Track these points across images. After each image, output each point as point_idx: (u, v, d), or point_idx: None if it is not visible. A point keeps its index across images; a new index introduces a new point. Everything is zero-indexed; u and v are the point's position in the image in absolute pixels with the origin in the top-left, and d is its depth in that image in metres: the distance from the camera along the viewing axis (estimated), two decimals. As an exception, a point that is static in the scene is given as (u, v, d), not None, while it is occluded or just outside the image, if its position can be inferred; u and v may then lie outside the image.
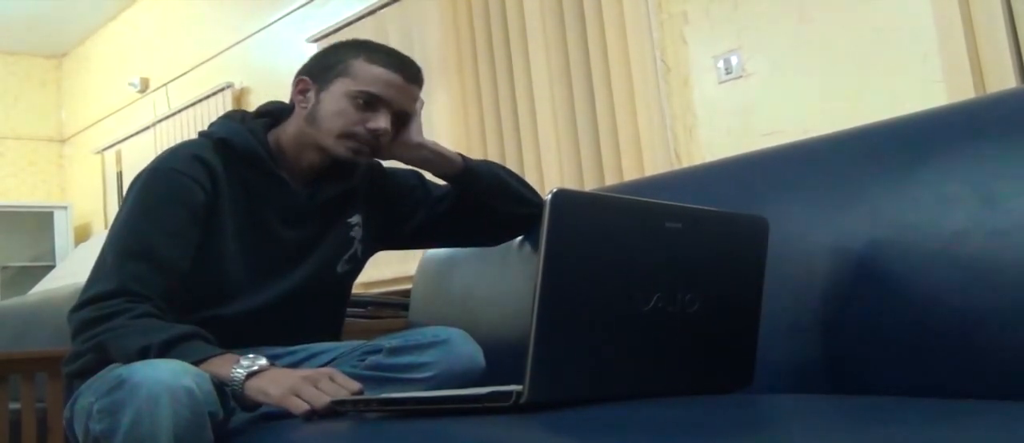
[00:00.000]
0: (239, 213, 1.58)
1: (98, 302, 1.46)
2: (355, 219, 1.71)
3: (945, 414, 0.98)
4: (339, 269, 1.69)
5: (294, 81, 1.64)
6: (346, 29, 4.60)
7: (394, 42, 4.34)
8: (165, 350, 1.36)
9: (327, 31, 4.69)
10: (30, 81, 7.33)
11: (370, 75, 1.58)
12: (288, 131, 1.64)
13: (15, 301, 3.56)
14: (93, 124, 6.88)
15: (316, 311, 1.69)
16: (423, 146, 1.67)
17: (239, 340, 1.55)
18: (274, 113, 1.68)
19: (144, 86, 6.31)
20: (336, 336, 1.75)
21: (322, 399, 1.31)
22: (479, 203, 1.73)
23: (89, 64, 7.10)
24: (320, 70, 1.62)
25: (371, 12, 4.46)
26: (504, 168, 1.79)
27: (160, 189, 1.54)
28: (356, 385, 1.37)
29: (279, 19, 5.00)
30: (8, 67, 7.21)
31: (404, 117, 1.64)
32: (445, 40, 4.08)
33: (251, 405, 1.37)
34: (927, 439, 0.85)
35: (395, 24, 4.35)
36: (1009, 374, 1.13)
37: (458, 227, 1.78)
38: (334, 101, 1.58)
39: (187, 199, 1.53)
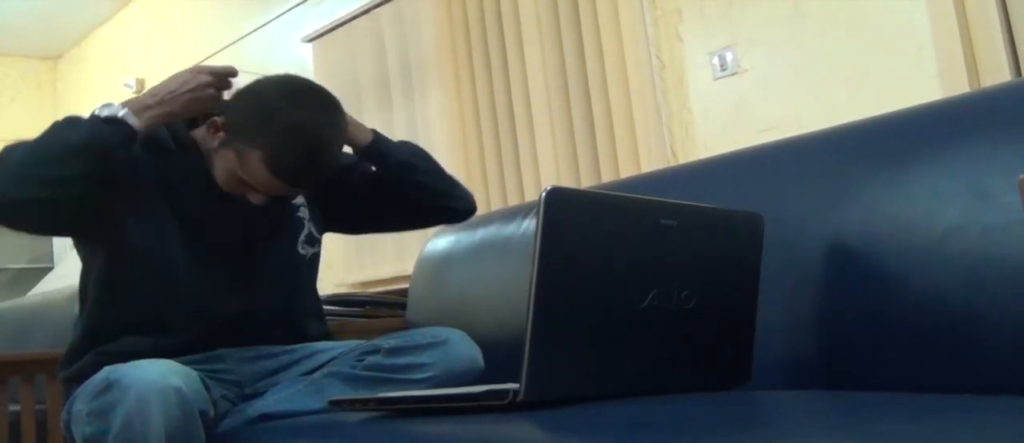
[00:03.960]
0: (171, 200, 1.56)
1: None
2: (300, 200, 1.71)
3: (940, 409, 0.98)
4: (301, 251, 1.69)
5: (213, 119, 1.57)
6: (341, 28, 4.60)
7: (389, 41, 4.34)
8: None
9: (322, 30, 4.69)
10: (25, 83, 7.31)
11: (259, 175, 1.50)
12: (201, 134, 1.62)
13: (13, 303, 3.55)
14: (89, 125, 6.87)
15: (294, 297, 1.69)
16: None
17: (232, 340, 1.56)
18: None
19: (140, 87, 6.29)
20: (322, 320, 1.77)
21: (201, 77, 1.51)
22: (391, 185, 1.72)
23: (84, 66, 7.09)
24: (232, 125, 1.54)
25: (366, 11, 4.46)
26: (424, 157, 1.77)
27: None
28: (227, 67, 1.55)
29: (274, 19, 4.99)
30: (3, 69, 7.19)
31: None
32: (440, 38, 4.08)
33: (144, 124, 1.48)
34: (923, 434, 0.85)
35: (390, 23, 4.35)
36: (1004, 369, 1.13)
37: (377, 210, 1.78)
38: (222, 165, 1.55)
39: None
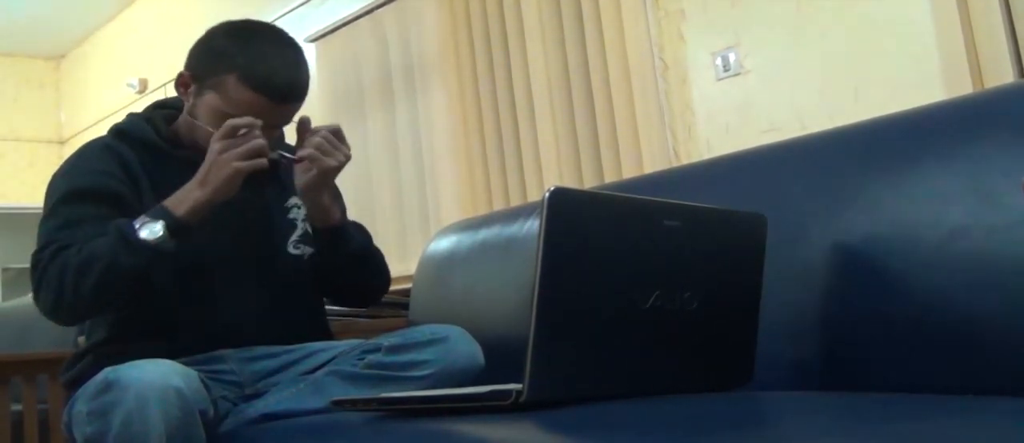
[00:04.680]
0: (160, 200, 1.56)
1: (47, 248, 1.51)
2: (293, 201, 1.71)
3: (944, 410, 0.98)
4: (292, 250, 1.69)
5: (178, 75, 1.60)
6: (344, 28, 4.60)
7: (392, 41, 4.34)
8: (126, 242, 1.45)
9: (325, 30, 4.70)
10: (29, 83, 7.33)
11: (240, 99, 1.51)
12: (182, 120, 1.64)
13: (16, 303, 3.56)
14: (93, 125, 6.88)
15: (287, 298, 1.68)
16: (331, 206, 1.64)
17: (230, 340, 1.57)
18: (175, 104, 1.68)
19: (143, 87, 6.30)
20: (322, 319, 1.77)
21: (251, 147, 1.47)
22: (332, 265, 1.70)
23: (88, 65, 7.10)
24: (198, 71, 1.57)
25: (369, 11, 4.47)
26: (375, 253, 1.77)
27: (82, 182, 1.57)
28: (247, 119, 1.48)
29: (277, 19, 5.00)
30: (7, 69, 7.20)
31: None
32: (443, 38, 4.08)
33: (189, 219, 1.47)
34: (927, 435, 0.85)
35: (393, 23, 4.35)
36: (1007, 370, 1.13)
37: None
38: (206, 112, 1.55)
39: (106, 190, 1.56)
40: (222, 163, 1.48)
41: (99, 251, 1.46)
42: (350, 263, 1.70)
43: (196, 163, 1.54)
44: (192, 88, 1.58)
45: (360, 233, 1.75)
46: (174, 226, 1.47)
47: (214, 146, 1.49)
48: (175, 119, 1.66)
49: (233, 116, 1.51)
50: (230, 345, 1.58)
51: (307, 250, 1.70)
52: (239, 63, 1.52)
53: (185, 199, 1.49)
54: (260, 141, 1.49)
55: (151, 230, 1.46)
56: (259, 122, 1.50)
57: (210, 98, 1.55)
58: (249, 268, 1.63)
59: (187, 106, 1.60)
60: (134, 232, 1.45)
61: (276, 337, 1.63)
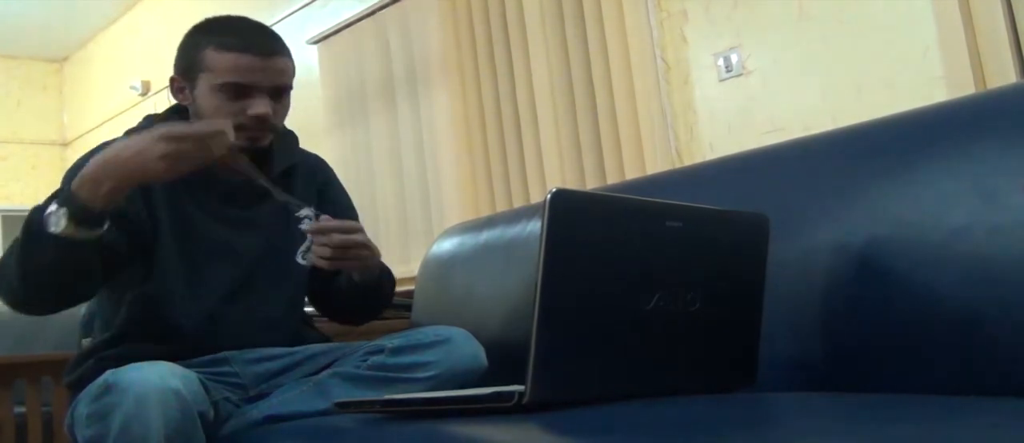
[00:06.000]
0: (172, 204, 1.58)
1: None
2: (307, 212, 1.71)
3: (946, 412, 0.98)
4: (300, 260, 1.70)
5: (169, 80, 1.63)
6: (346, 30, 4.61)
7: (394, 42, 4.34)
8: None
9: (327, 32, 4.70)
10: (32, 85, 7.34)
11: (225, 64, 1.54)
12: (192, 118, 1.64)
13: (19, 305, 3.56)
14: (95, 127, 6.89)
15: (292, 306, 1.70)
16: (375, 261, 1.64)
17: (232, 346, 1.56)
18: (183, 111, 1.68)
19: (146, 89, 6.31)
20: (312, 324, 1.77)
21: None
22: (358, 295, 1.72)
23: (91, 68, 7.11)
24: (184, 67, 1.60)
25: (371, 13, 4.47)
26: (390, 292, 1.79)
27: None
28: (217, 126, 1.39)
29: (280, 21, 5.00)
30: (10, 71, 7.22)
31: (282, 89, 1.59)
32: (445, 40, 4.08)
33: (102, 202, 1.33)
34: (930, 437, 0.85)
35: (395, 25, 4.36)
36: (1010, 371, 1.13)
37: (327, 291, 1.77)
38: (206, 98, 1.56)
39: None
40: (152, 149, 1.33)
41: (15, 246, 1.38)
42: (364, 295, 1.73)
43: (209, 165, 1.55)
44: (186, 88, 1.60)
45: (389, 279, 1.77)
46: (80, 215, 1.33)
47: (156, 148, 1.33)
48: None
49: (233, 84, 1.53)
50: (233, 348, 1.59)
51: (312, 259, 1.71)
52: (212, 38, 1.56)
53: (93, 177, 1.33)
54: (211, 152, 1.38)
55: (56, 220, 1.32)
56: (224, 130, 1.39)
57: (204, 80, 1.56)
58: (258, 276, 1.64)
59: (191, 107, 1.61)
60: (42, 222, 1.33)
61: (278, 344, 1.64)
